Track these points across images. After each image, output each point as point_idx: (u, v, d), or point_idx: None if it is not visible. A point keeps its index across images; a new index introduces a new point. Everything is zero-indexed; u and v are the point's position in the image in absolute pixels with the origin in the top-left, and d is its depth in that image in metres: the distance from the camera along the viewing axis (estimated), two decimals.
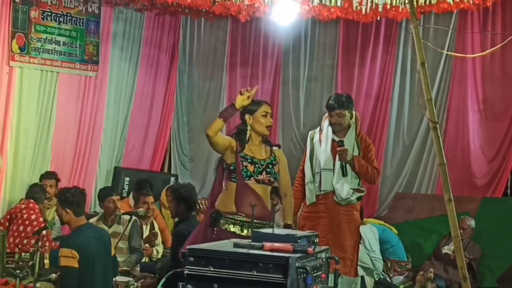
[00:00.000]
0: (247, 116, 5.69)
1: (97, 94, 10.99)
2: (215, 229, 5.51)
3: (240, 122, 5.82)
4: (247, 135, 5.71)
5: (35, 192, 9.01)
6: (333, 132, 6.75)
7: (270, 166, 5.74)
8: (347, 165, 6.66)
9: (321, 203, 6.71)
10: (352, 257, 6.76)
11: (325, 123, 6.83)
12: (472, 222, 9.23)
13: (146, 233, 8.83)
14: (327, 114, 6.87)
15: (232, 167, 5.61)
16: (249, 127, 5.69)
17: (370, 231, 8.86)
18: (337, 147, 6.65)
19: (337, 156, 6.66)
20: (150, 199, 8.88)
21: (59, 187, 9.62)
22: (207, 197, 10.60)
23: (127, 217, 8.25)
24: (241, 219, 5.53)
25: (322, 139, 6.78)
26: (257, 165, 5.64)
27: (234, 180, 5.61)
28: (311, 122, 11.06)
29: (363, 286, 8.13)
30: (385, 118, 10.93)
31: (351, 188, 6.68)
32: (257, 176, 5.63)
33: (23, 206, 8.74)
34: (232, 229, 5.51)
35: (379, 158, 10.62)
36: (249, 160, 5.62)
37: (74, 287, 6.06)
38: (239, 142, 5.69)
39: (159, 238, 8.97)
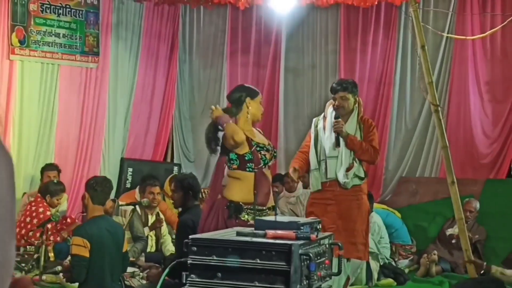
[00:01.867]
0: (248, 98, 5.72)
1: (98, 86, 10.98)
2: (236, 221, 5.47)
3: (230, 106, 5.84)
4: (246, 115, 5.71)
5: (51, 187, 8.94)
6: (337, 118, 6.68)
7: (275, 149, 5.83)
8: (341, 138, 6.59)
9: (328, 190, 6.64)
10: (365, 241, 6.73)
11: (329, 109, 6.77)
12: (477, 204, 9.23)
13: (151, 221, 8.84)
14: (330, 101, 6.82)
15: (246, 157, 5.59)
16: (248, 110, 5.70)
17: (380, 220, 8.87)
18: (334, 120, 6.59)
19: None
20: (156, 189, 8.88)
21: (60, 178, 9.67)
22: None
23: (130, 207, 8.26)
24: (259, 208, 5.52)
25: (326, 126, 6.73)
26: (270, 152, 5.70)
27: (250, 169, 5.57)
28: (314, 109, 11.06)
29: (369, 270, 8.14)
30: (387, 103, 10.91)
31: (346, 171, 6.60)
32: (270, 162, 5.69)
33: (32, 199, 8.80)
34: (251, 220, 5.48)
35: (383, 143, 10.63)
36: (264, 149, 5.65)
37: (83, 275, 6.09)
38: (230, 114, 5.72)
39: (165, 226, 8.96)
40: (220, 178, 5.70)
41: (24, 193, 9.57)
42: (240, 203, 5.48)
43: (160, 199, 9.08)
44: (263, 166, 5.60)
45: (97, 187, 6.31)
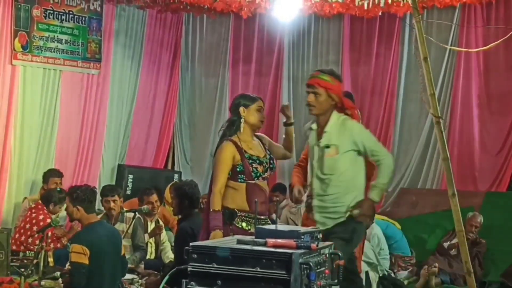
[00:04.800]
0: (241, 109, 5.71)
1: (99, 92, 11.00)
2: (231, 227, 5.49)
3: (230, 116, 5.85)
4: (241, 127, 5.71)
5: (55, 196, 8.91)
6: None
7: (272, 161, 5.79)
8: None
9: None
10: (359, 255, 6.69)
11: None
12: (482, 219, 9.17)
13: (151, 228, 8.82)
14: None
15: (238, 169, 5.58)
16: (242, 119, 5.70)
17: (380, 231, 8.84)
18: None
19: None
20: (154, 197, 8.86)
21: (63, 184, 9.65)
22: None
23: (130, 214, 8.24)
24: (258, 218, 5.50)
25: None
26: (264, 165, 5.67)
27: (242, 180, 5.57)
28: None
29: (368, 282, 8.11)
30: (390, 114, 10.90)
31: None
32: (264, 174, 5.66)
33: (32, 204, 8.79)
34: (245, 227, 5.49)
35: None
36: (257, 161, 5.64)
37: (83, 283, 6.06)
38: (229, 133, 5.71)
39: (165, 233, 8.94)
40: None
41: (25, 198, 9.56)
42: (235, 209, 5.49)
43: (159, 205, 9.06)
44: (255, 179, 5.60)
45: (91, 199, 6.30)
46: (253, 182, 5.58)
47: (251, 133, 5.77)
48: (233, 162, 5.58)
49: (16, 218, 9.49)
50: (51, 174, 9.58)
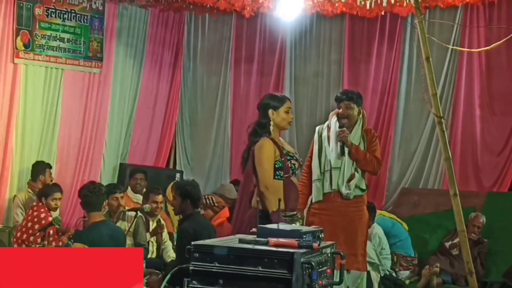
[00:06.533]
0: (270, 111, 5.73)
1: (101, 91, 11.00)
2: None
3: (259, 116, 5.83)
4: (270, 130, 5.73)
5: (45, 189, 8.93)
6: (341, 128, 6.65)
7: (300, 159, 5.86)
8: (345, 147, 6.59)
9: (331, 202, 6.61)
10: (363, 252, 6.72)
11: (333, 119, 6.74)
12: (484, 219, 9.16)
13: (152, 227, 8.82)
14: (335, 110, 6.79)
15: (277, 165, 5.59)
16: (271, 122, 5.71)
17: (381, 231, 8.84)
18: (339, 130, 6.59)
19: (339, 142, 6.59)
20: (160, 198, 8.85)
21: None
22: (212, 193, 10.63)
23: (132, 213, 8.24)
24: (291, 213, 5.50)
25: (330, 137, 6.71)
26: (298, 160, 5.74)
27: (279, 177, 5.60)
28: (317, 117, 11.05)
29: (369, 281, 8.10)
30: (391, 114, 10.90)
31: (347, 182, 6.59)
32: (297, 170, 5.72)
33: (34, 203, 8.80)
34: None
35: (386, 153, 10.61)
36: (294, 158, 5.69)
37: None
38: (260, 132, 5.72)
39: (166, 232, 8.94)
40: (248, 190, 5.69)
41: (15, 196, 9.53)
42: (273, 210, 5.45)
43: (163, 206, 9.06)
44: (291, 175, 5.63)
45: (92, 197, 6.31)
46: (289, 178, 5.60)
47: (279, 132, 5.83)
48: (274, 158, 5.60)
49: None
50: (39, 170, 9.53)
